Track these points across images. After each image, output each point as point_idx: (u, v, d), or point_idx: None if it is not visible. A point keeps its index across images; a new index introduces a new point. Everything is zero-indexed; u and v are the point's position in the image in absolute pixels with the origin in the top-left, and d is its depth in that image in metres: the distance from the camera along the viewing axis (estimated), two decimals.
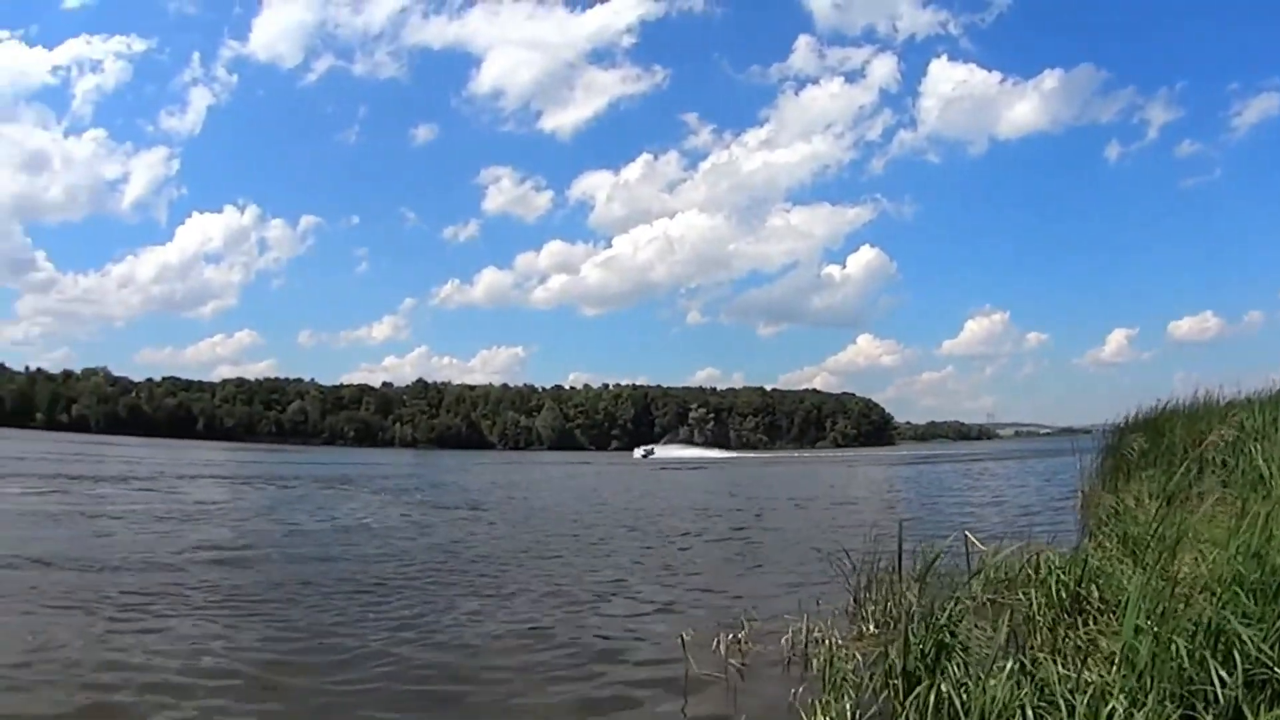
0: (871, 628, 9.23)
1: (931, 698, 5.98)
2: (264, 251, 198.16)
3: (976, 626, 6.96)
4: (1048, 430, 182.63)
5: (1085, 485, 21.07)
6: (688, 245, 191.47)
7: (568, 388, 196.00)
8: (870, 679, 7.16)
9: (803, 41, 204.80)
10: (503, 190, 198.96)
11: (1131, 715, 5.24)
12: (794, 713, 6.93)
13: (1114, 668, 5.91)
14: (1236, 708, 5.18)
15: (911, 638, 6.52)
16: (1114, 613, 7.18)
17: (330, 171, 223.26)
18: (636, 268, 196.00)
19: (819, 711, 6.71)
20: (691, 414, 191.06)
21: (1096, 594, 7.84)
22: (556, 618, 11.39)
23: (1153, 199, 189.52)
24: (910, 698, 6.14)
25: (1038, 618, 7.75)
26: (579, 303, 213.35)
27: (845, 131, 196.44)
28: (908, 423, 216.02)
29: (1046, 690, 5.72)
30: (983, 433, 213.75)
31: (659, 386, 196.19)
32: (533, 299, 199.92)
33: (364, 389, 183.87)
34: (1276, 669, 5.34)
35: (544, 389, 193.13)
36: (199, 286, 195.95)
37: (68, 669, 8.38)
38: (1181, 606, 6.05)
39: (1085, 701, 5.41)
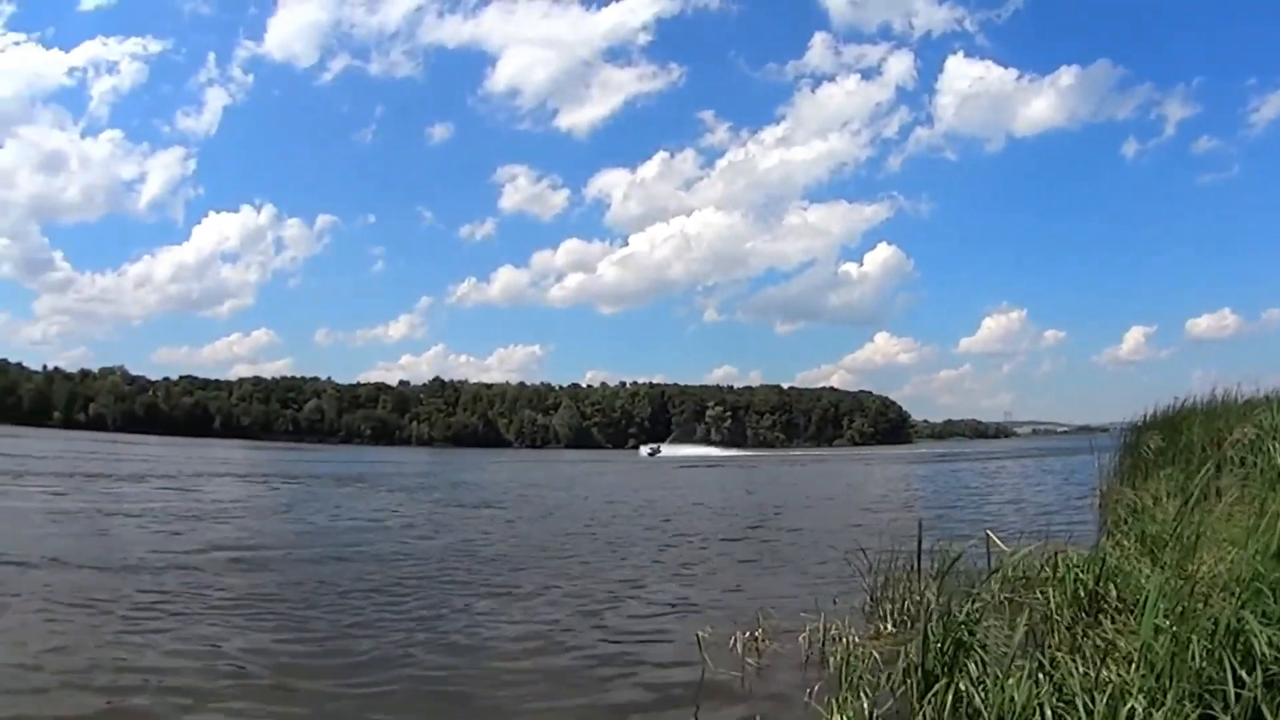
0: (889, 626, 9.23)
1: (949, 696, 5.98)
2: (280, 251, 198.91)
3: (994, 625, 6.95)
4: (1065, 428, 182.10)
5: (1103, 484, 20.94)
6: (704, 243, 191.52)
7: (585, 386, 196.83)
8: (888, 678, 7.16)
9: (819, 39, 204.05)
10: (519, 189, 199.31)
11: (1150, 715, 5.24)
12: (811, 711, 6.93)
13: (1132, 667, 5.90)
14: (1256, 708, 5.16)
15: (930, 636, 6.52)
16: (1132, 612, 7.16)
17: (346, 171, 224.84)
18: (653, 266, 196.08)
19: (836, 710, 6.71)
20: (708, 412, 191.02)
21: (1115, 593, 7.82)
22: (573, 616, 11.42)
23: (1170, 196, 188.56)
24: (928, 696, 6.14)
25: (1056, 617, 7.74)
26: (596, 301, 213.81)
27: (862, 129, 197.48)
28: (925, 421, 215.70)
29: (1065, 689, 5.72)
30: (1000, 431, 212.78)
31: (676, 385, 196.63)
32: (549, 297, 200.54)
33: (380, 387, 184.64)
34: None
35: (561, 387, 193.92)
36: (216, 286, 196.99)
37: (84, 671, 8.34)
38: (1200, 606, 6.03)
39: (1104, 701, 5.41)
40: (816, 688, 7.33)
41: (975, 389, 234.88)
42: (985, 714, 5.73)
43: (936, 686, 6.13)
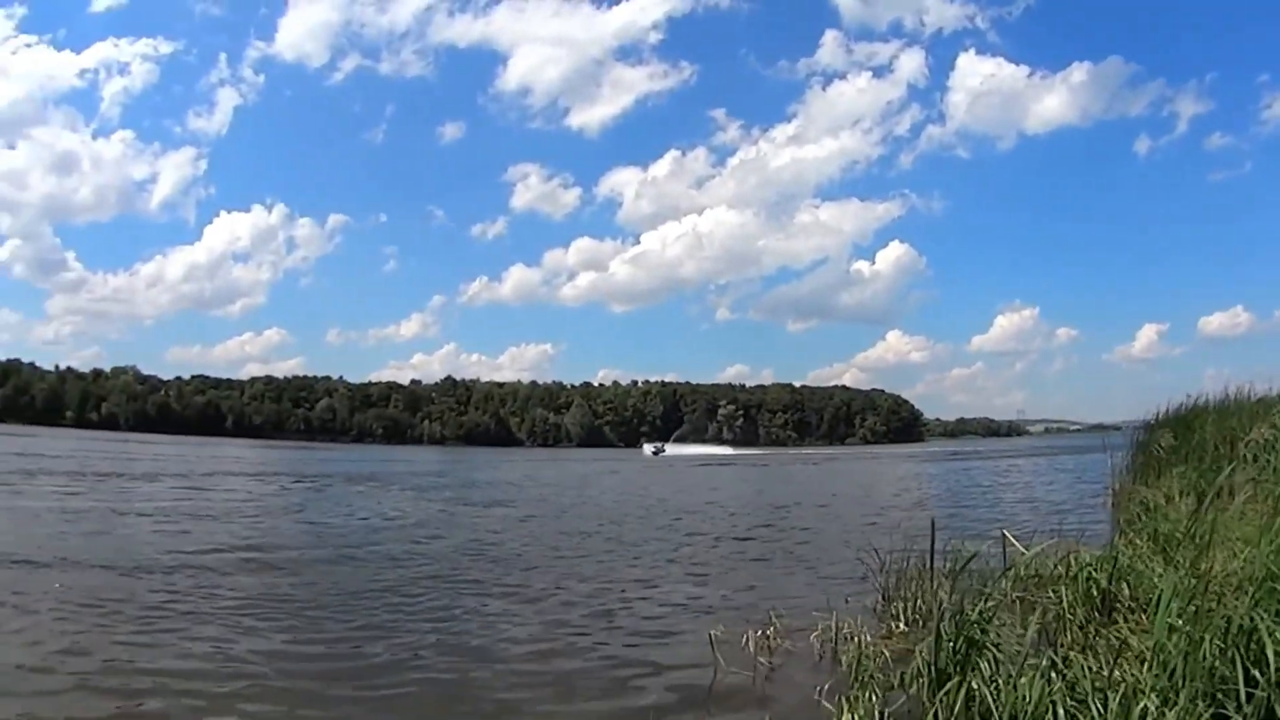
0: (901, 625, 9.25)
1: (961, 695, 5.99)
2: (292, 250, 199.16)
3: (1007, 624, 6.95)
4: (1078, 427, 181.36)
5: (1116, 482, 20.94)
6: (716, 242, 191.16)
7: (596, 385, 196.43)
8: (900, 676, 7.17)
9: (830, 36, 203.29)
10: (530, 187, 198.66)
11: (1163, 715, 5.24)
12: (823, 710, 6.95)
13: (1145, 667, 5.90)
14: (1269, 708, 5.16)
15: (942, 635, 6.52)
16: (1145, 611, 7.17)
17: (358, 170, 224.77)
18: (665, 264, 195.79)
19: (848, 708, 6.73)
20: (720, 410, 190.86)
21: (1127, 592, 7.82)
22: (586, 616, 11.45)
23: (1182, 193, 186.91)
24: (940, 695, 6.14)
25: (1069, 615, 7.75)
26: (608, 300, 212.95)
27: (873, 127, 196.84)
28: (937, 419, 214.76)
29: (1077, 689, 5.72)
30: (1012, 429, 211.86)
31: (688, 383, 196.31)
32: (561, 296, 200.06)
33: (392, 386, 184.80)
34: None
35: (573, 386, 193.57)
36: (227, 285, 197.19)
37: (96, 673, 8.33)
38: (1214, 605, 6.03)
39: (1117, 700, 5.41)
40: (828, 686, 7.35)
41: (988, 387, 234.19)
42: (997, 713, 5.73)
43: (949, 685, 6.13)
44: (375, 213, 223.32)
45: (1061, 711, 5.50)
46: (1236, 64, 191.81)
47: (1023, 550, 9.23)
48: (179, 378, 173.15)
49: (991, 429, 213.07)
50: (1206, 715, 5.20)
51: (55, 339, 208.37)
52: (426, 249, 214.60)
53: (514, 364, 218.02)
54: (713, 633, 9.19)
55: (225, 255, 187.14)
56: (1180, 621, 5.87)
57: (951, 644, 6.48)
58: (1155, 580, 7.40)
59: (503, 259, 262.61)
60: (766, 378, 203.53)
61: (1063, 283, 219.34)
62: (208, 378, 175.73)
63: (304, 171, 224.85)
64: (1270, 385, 18.73)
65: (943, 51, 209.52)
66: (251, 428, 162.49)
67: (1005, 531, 9.74)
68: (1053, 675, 5.86)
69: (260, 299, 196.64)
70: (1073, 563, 9.05)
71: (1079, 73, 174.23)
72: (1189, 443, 17.68)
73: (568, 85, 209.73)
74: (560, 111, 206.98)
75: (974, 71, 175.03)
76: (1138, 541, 10.38)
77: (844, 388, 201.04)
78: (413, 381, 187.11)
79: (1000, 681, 5.94)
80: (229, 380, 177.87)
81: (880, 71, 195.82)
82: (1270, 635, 5.40)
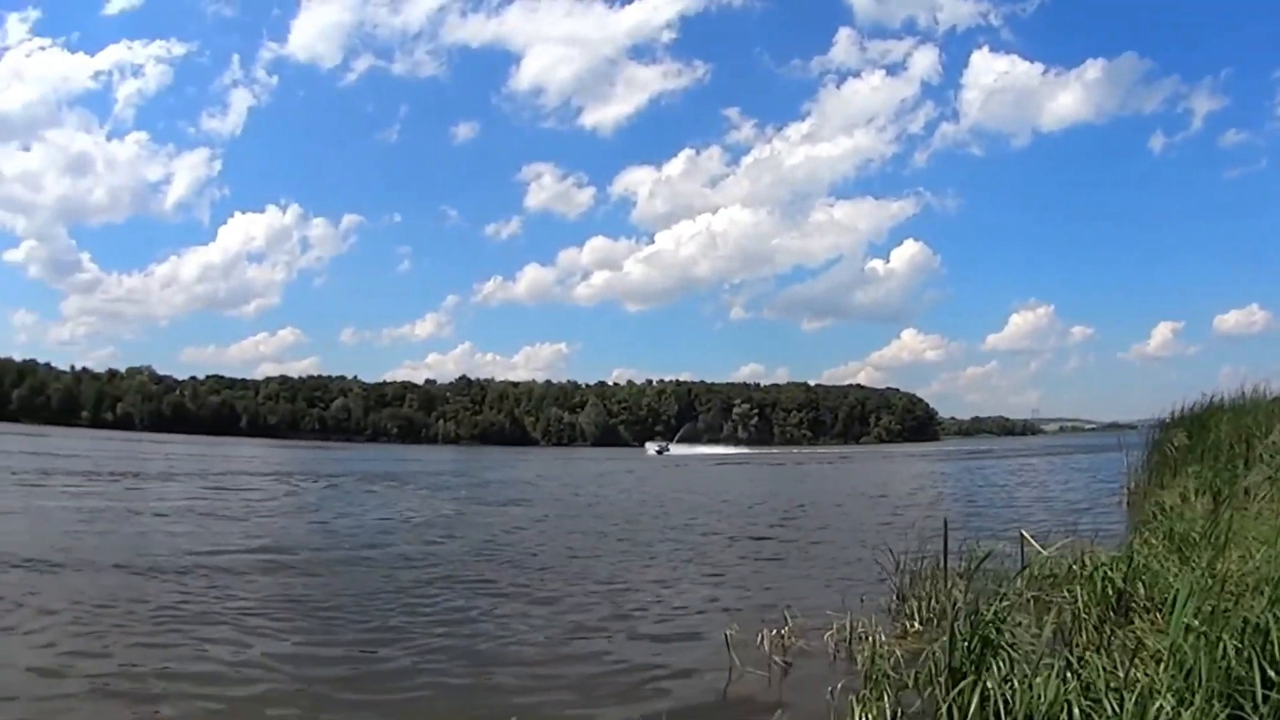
0: (916, 625, 9.25)
1: (975, 695, 5.99)
2: (306, 250, 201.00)
3: (1022, 624, 6.95)
4: (1093, 425, 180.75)
5: (1131, 481, 20.88)
6: (731, 241, 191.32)
7: (611, 384, 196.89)
8: (914, 676, 7.18)
9: (843, 34, 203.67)
10: (544, 187, 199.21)
11: (1178, 715, 5.23)
12: (837, 709, 6.96)
13: (1160, 666, 5.90)
14: None
15: (957, 634, 6.53)
16: (1160, 611, 7.16)
17: (371, 170, 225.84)
18: (679, 263, 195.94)
19: (862, 708, 6.73)
20: (735, 409, 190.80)
21: (1143, 592, 7.81)
22: (601, 616, 11.48)
23: (1197, 190, 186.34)
24: (954, 694, 6.15)
25: (1084, 615, 7.74)
26: (622, 299, 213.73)
27: (887, 125, 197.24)
28: (952, 418, 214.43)
29: (1092, 689, 5.72)
30: (1027, 428, 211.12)
31: (703, 382, 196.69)
32: (575, 295, 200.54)
33: (407, 386, 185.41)
34: None
35: (587, 385, 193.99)
36: (242, 285, 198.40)
37: (110, 676, 8.28)
38: (1231, 605, 6.02)
39: (1132, 700, 5.41)
40: (842, 685, 7.37)
41: (1002, 386, 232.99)
42: (1012, 713, 5.73)
43: (963, 685, 6.13)
44: (389, 213, 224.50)
45: (1076, 711, 5.50)
46: (1251, 60, 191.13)
47: (1038, 549, 9.22)
48: (194, 378, 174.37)
49: (1006, 428, 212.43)
50: (1223, 716, 5.20)
51: (70, 339, 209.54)
52: (441, 249, 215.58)
53: (529, 363, 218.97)
54: (728, 632, 9.21)
55: (240, 256, 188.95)
56: (1197, 622, 5.86)
57: (966, 643, 6.48)
58: (1171, 580, 7.39)
59: (517, 258, 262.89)
60: (781, 377, 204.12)
61: (1078, 281, 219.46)
62: (222, 378, 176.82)
63: (318, 172, 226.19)
64: None
65: (956, 49, 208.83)
66: (266, 427, 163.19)
67: (1023, 531, 9.73)
68: (1068, 675, 5.85)
69: (275, 299, 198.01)
70: (1088, 562, 9.03)
71: (1093, 70, 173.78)
72: (1204, 442, 17.61)
73: (581, 85, 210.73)
74: (574, 111, 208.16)
75: (988, 69, 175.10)
76: (1153, 541, 10.35)
77: (859, 386, 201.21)
78: (427, 381, 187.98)
79: (1015, 681, 5.94)
80: (244, 380, 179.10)
81: (894, 69, 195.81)
82: None
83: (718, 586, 13.64)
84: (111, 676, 8.30)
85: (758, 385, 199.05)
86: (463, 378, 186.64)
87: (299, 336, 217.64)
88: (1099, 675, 5.80)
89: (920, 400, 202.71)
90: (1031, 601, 8.44)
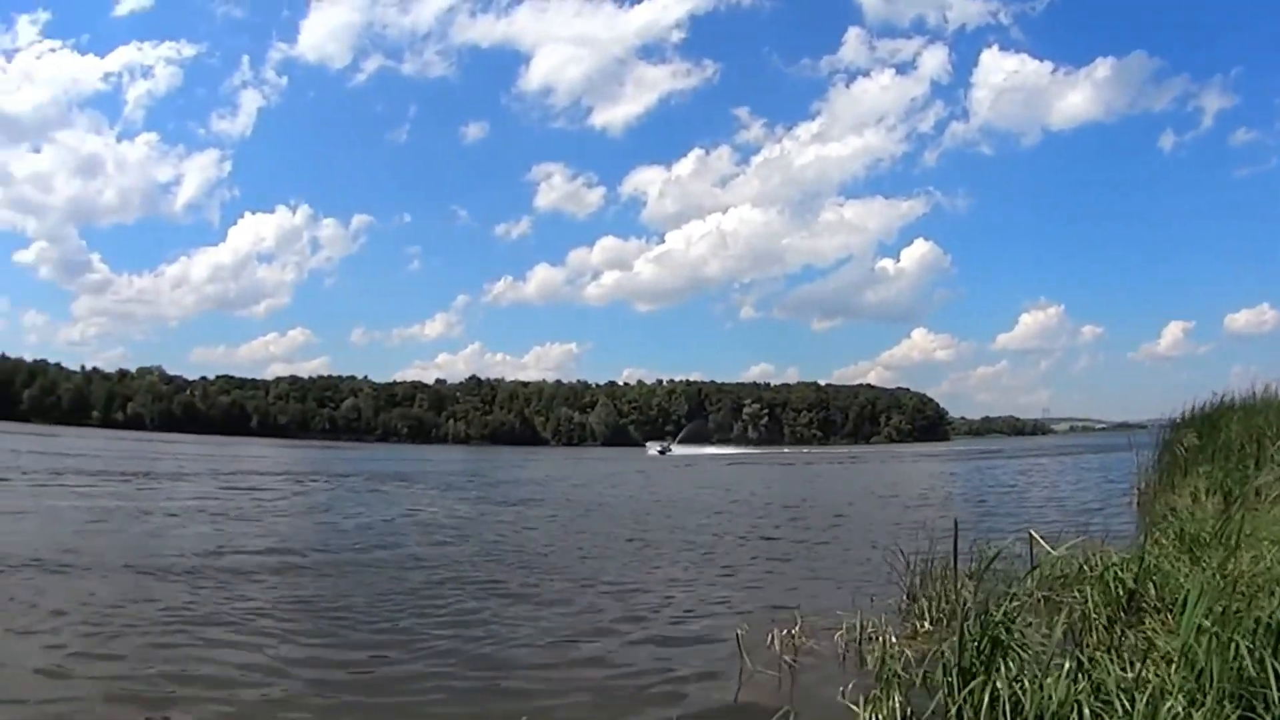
0: (926, 625, 9.24)
1: (985, 695, 5.99)
2: (316, 250, 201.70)
3: (1031, 624, 6.95)
4: (1103, 425, 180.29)
5: (1141, 481, 20.83)
6: (741, 240, 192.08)
7: (621, 384, 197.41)
8: (923, 676, 7.18)
9: (853, 34, 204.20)
10: (554, 187, 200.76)
11: (1190, 716, 5.23)
12: (847, 709, 6.96)
13: (1171, 667, 5.89)
14: None
15: (966, 635, 6.52)
16: (1171, 611, 7.15)
17: (381, 170, 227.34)
18: (689, 263, 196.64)
19: (872, 708, 6.74)
20: (745, 409, 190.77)
21: (1154, 592, 7.80)
22: (611, 615, 11.49)
23: (1208, 189, 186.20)
24: (963, 694, 6.15)
25: (1094, 616, 7.73)
26: (632, 299, 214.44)
27: (897, 124, 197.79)
28: (962, 418, 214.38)
29: (1103, 689, 5.71)
30: (1037, 428, 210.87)
31: (713, 382, 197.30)
32: (586, 295, 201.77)
33: (417, 386, 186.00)
34: None
35: (597, 385, 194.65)
36: (252, 286, 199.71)
37: (119, 679, 8.22)
38: (1244, 606, 6.01)
39: (1143, 701, 5.40)
40: (852, 685, 7.35)
41: (1013, 386, 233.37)
42: (1022, 713, 5.73)
43: (972, 685, 6.13)
44: (399, 213, 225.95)
45: (1087, 712, 5.49)
46: (1261, 59, 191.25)
47: (1048, 549, 9.21)
48: (204, 378, 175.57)
49: (1016, 427, 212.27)
50: (1234, 717, 5.20)
51: (81, 340, 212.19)
52: (450, 249, 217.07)
53: (539, 363, 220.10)
54: (739, 632, 9.22)
55: (250, 256, 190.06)
56: (1208, 622, 5.86)
57: (976, 644, 6.47)
58: (1182, 581, 7.38)
59: (527, 258, 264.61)
60: (791, 376, 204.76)
61: (1088, 280, 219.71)
62: (232, 378, 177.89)
63: (328, 172, 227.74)
64: None
65: (966, 48, 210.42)
66: (276, 427, 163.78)
67: (1031, 531, 9.72)
68: (1078, 676, 5.85)
69: (285, 299, 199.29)
70: (1098, 562, 9.03)
71: (1103, 68, 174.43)
72: (1215, 442, 17.56)
73: (590, 84, 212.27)
74: (583, 111, 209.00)
75: (997, 68, 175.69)
76: (1163, 541, 10.34)
77: (869, 386, 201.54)
78: (437, 381, 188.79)
79: (1025, 681, 5.93)
80: (254, 380, 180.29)
81: (904, 68, 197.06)
82: None
83: (728, 586, 13.66)
84: (120, 679, 8.27)
85: (768, 385, 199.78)
86: (473, 378, 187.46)
87: (309, 337, 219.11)
88: (1110, 676, 5.79)
89: (930, 400, 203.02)
90: (1042, 602, 8.44)
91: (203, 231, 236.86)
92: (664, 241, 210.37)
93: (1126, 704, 5.46)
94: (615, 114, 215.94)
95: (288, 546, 17.02)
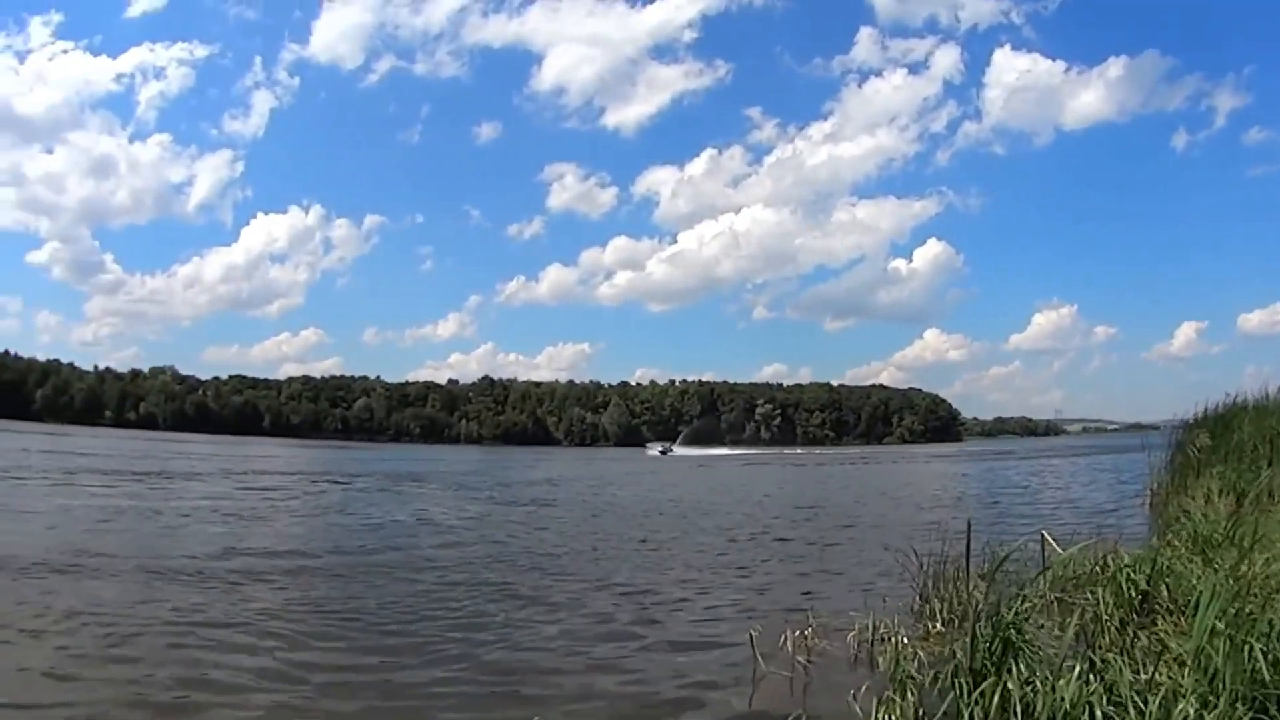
0: (938, 626, 9.24)
1: (997, 696, 6.00)
2: (329, 251, 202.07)
3: (1043, 626, 6.95)
4: (1116, 426, 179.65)
5: (1154, 483, 20.75)
6: (753, 240, 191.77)
7: (634, 384, 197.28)
8: (935, 677, 7.19)
9: (865, 33, 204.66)
10: (567, 187, 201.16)
11: (1202, 718, 5.23)
12: (859, 710, 6.97)
13: (1184, 669, 5.89)
14: None
15: (978, 636, 6.53)
16: (1183, 613, 7.14)
17: (394, 171, 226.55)
18: (702, 263, 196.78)
19: (884, 709, 6.75)
20: (758, 410, 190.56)
21: (1166, 594, 7.79)
22: (625, 617, 11.53)
23: (1221, 188, 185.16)
24: (975, 695, 6.15)
25: (1106, 617, 7.73)
26: (645, 299, 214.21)
27: (910, 124, 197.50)
28: (975, 419, 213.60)
29: (1115, 691, 5.72)
30: (1050, 428, 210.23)
31: (725, 382, 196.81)
32: (598, 295, 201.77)
33: (430, 386, 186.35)
34: None
35: (610, 385, 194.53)
36: (265, 286, 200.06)
37: (128, 683, 8.22)
38: (1257, 608, 6.01)
39: (1156, 703, 5.41)
40: (865, 686, 7.36)
41: (1025, 386, 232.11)
42: (1034, 714, 5.74)
43: (984, 686, 6.14)
44: (412, 213, 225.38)
45: (1099, 713, 5.50)
46: (1274, 57, 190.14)
47: (1059, 551, 9.20)
48: (216, 378, 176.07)
49: (1029, 428, 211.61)
50: (1246, 718, 5.20)
51: (94, 340, 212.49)
52: (463, 249, 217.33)
53: (551, 363, 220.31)
54: (752, 632, 9.25)
55: (262, 256, 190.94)
56: (1221, 624, 5.86)
57: (987, 645, 6.48)
58: (1194, 582, 7.37)
59: (540, 258, 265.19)
60: (804, 377, 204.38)
61: (1101, 280, 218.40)
62: (245, 378, 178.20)
63: (340, 173, 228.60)
64: None
65: (978, 47, 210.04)
66: (289, 427, 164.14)
67: (1044, 532, 9.72)
68: (1090, 677, 5.85)
69: (297, 299, 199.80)
70: (1110, 564, 9.02)
71: (1115, 67, 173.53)
72: (1228, 442, 17.50)
73: (603, 84, 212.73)
74: (596, 111, 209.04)
75: (1010, 67, 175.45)
76: (1176, 543, 10.32)
77: (881, 387, 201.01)
78: (450, 381, 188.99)
79: (1037, 683, 5.94)
80: (266, 380, 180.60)
81: (916, 68, 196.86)
82: None
83: (741, 588, 13.68)
84: (132, 682, 8.27)
85: (780, 385, 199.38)
86: (485, 378, 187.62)
87: (322, 337, 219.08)
88: (1122, 678, 5.80)
89: (943, 401, 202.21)
90: (1054, 603, 8.43)
91: (215, 232, 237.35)
92: (676, 242, 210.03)
93: (1139, 706, 5.47)
94: (628, 114, 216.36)
95: (299, 547, 17.10)
